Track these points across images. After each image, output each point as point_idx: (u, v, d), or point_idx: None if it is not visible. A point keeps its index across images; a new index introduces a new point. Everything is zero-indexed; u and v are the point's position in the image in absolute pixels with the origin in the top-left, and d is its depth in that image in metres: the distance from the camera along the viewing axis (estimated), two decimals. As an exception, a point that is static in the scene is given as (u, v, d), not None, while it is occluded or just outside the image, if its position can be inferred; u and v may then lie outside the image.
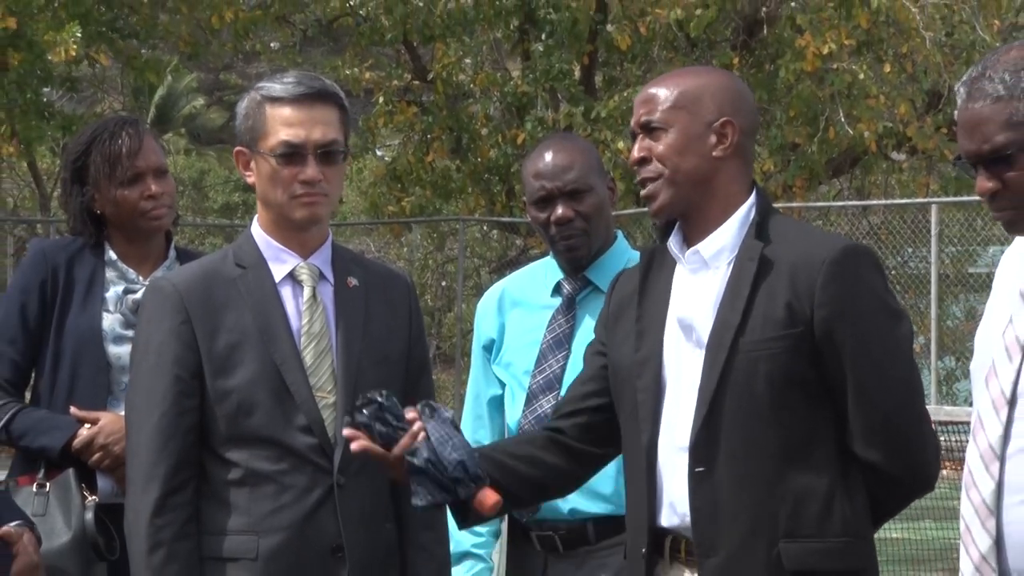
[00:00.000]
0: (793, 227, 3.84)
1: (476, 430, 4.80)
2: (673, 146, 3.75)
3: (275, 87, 4.00)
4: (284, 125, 3.96)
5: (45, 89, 22.16)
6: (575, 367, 4.33)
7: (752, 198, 3.81)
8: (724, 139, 3.76)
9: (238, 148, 4.05)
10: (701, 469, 3.67)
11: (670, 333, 3.80)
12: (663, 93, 3.79)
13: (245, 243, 4.09)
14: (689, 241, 3.81)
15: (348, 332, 4.01)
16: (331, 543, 3.91)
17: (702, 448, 3.68)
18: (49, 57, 20.07)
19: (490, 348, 4.76)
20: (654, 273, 3.87)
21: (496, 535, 4.78)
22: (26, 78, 20.76)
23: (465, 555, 4.76)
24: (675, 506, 3.73)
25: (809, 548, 3.63)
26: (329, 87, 4.04)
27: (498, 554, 4.74)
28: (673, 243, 3.84)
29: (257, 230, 4.08)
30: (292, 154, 3.96)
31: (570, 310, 4.56)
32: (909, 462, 3.70)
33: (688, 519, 3.69)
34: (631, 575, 3.84)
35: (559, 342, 4.55)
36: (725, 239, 3.77)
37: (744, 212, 3.78)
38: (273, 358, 3.93)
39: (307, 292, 4.03)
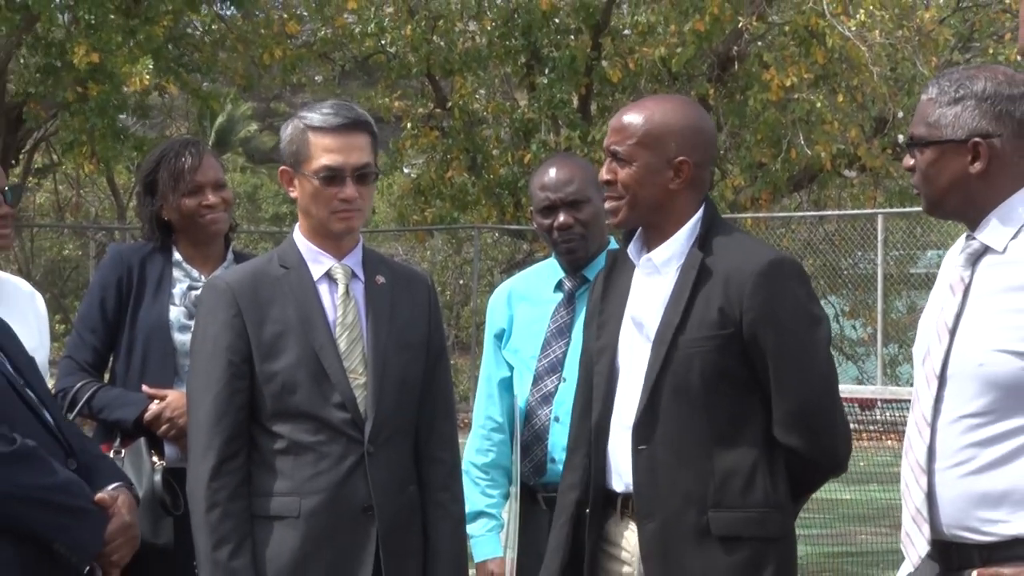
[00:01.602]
0: (732, 239, 3.79)
1: (488, 407, 4.79)
2: (634, 177, 3.76)
3: (316, 117, 3.98)
4: (325, 151, 3.95)
5: (121, 116, 22.10)
6: (575, 352, 4.35)
7: (700, 213, 3.81)
8: (680, 174, 3.76)
9: (283, 168, 4.05)
10: (643, 447, 3.70)
11: (626, 327, 3.83)
12: (632, 127, 3.78)
13: (288, 247, 4.08)
14: (647, 246, 3.83)
15: (376, 322, 4.01)
16: (362, 504, 3.90)
17: (643, 429, 3.71)
18: (125, 87, 20.05)
19: (500, 337, 4.75)
20: (616, 273, 3.90)
21: (506, 497, 4.77)
22: (104, 106, 20.72)
23: (480, 514, 4.75)
24: (622, 475, 3.76)
25: (734, 517, 3.64)
26: (362, 117, 4.03)
27: (507, 513, 4.73)
28: (632, 249, 3.87)
29: (298, 236, 4.07)
30: (333, 177, 3.95)
31: (570, 304, 4.56)
32: (823, 447, 3.72)
33: (629, 485, 3.73)
34: (588, 529, 3.84)
35: (561, 331, 4.55)
36: (674, 249, 3.78)
37: (692, 225, 3.78)
38: (312, 345, 3.92)
39: (341, 288, 4.02)
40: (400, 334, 4.03)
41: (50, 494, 3.26)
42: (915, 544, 3.32)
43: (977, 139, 3.31)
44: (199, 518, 3.87)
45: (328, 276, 4.03)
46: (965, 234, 3.42)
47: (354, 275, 4.06)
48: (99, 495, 3.40)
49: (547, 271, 4.75)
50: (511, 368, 4.76)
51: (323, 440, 3.91)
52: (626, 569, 3.79)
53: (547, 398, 4.59)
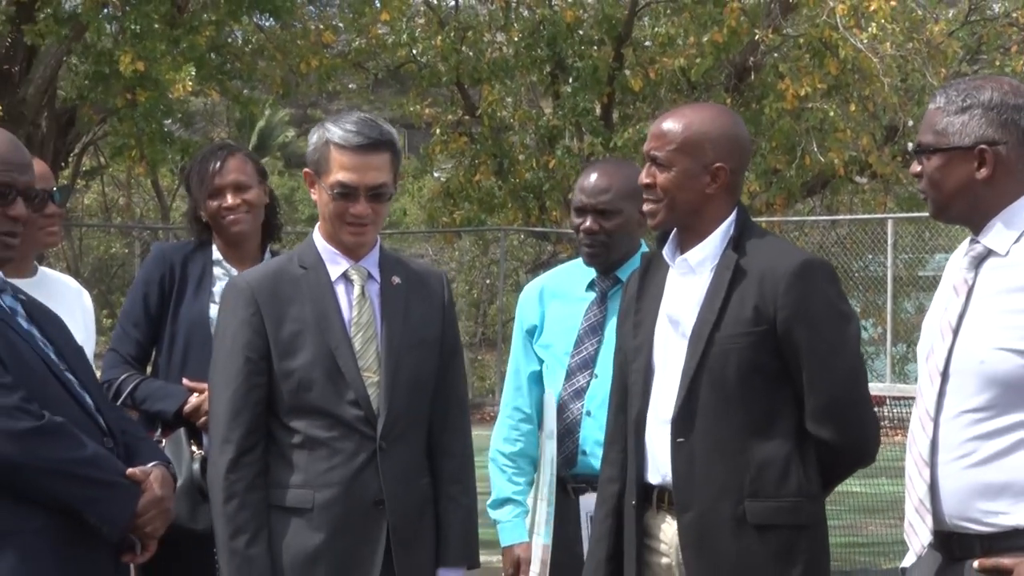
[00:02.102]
0: (765, 242, 3.80)
1: (516, 398, 4.77)
2: (673, 181, 3.76)
3: (339, 133, 3.95)
4: (341, 168, 3.93)
5: (167, 121, 22.18)
6: (607, 349, 4.37)
7: (733, 216, 3.80)
8: (716, 180, 3.77)
9: (307, 170, 4.05)
10: (681, 440, 3.69)
11: (661, 325, 3.82)
12: (671, 133, 3.78)
13: (307, 248, 4.07)
14: (681, 248, 3.83)
15: (390, 322, 3.99)
16: (374, 497, 3.90)
17: (681, 422, 3.70)
18: (169, 93, 20.11)
19: (532, 332, 4.73)
20: (651, 274, 3.89)
21: (531, 484, 4.76)
22: (151, 112, 20.79)
23: (506, 500, 4.75)
24: (659, 467, 3.75)
25: (769, 506, 3.64)
26: (384, 136, 3.99)
27: (531, 499, 4.72)
28: (667, 251, 3.86)
29: (317, 237, 4.06)
30: (346, 193, 3.94)
31: (603, 303, 4.54)
32: (852, 438, 3.72)
33: (667, 477, 3.72)
34: (626, 522, 3.84)
35: (594, 329, 4.53)
36: (708, 250, 3.78)
37: (725, 228, 3.78)
38: (328, 344, 3.91)
39: (357, 289, 4.00)
40: (414, 332, 4.01)
41: (77, 467, 3.26)
42: (918, 534, 3.32)
43: (983, 146, 3.31)
44: (218, 508, 3.89)
45: (345, 277, 4.02)
46: (969, 238, 3.43)
47: (370, 276, 4.04)
48: (130, 470, 3.39)
49: (579, 270, 4.72)
50: (541, 362, 4.74)
51: (337, 436, 3.91)
52: (664, 560, 3.79)
53: (579, 393, 4.57)
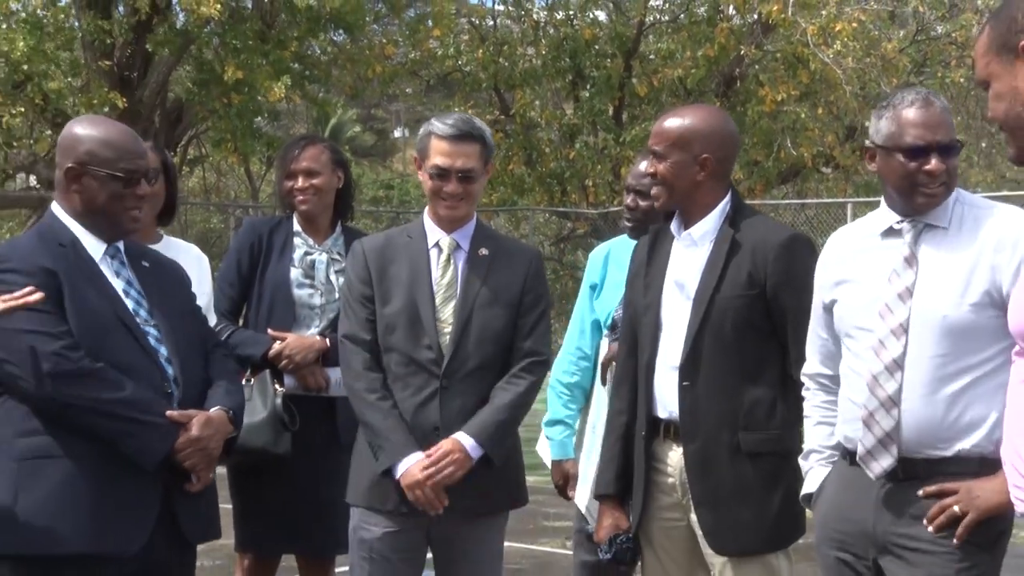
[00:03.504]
0: (756, 219, 3.81)
1: (580, 339, 4.71)
2: (670, 171, 3.77)
3: (439, 126, 4.00)
4: (438, 154, 3.98)
5: (256, 119, 22.25)
6: None
7: (728, 197, 3.80)
8: (705, 168, 3.75)
9: (415, 156, 4.09)
10: (687, 383, 3.68)
11: (668, 288, 3.80)
12: (668, 131, 3.79)
13: (417, 222, 4.12)
14: (685, 224, 3.81)
15: (468, 285, 3.99)
16: (432, 425, 3.89)
17: (687, 368, 3.69)
18: (264, 98, 20.21)
19: (595, 287, 4.68)
20: (658, 245, 3.88)
21: (580, 411, 4.73)
22: (244, 111, 20.87)
23: (559, 422, 4.72)
24: (666, 405, 3.74)
25: (759, 437, 3.64)
26: (475, 130, 4.03)
27: (578, 422, 4.70)
28: (673, 226, 3.85)
29: (425, 215, 4.10)
30: (441, 174, 3.98)
31: None
32: None
33: (676, 415, 3.70)
34: (636, 449, 3.84)
35: None
36: (708, 226, 3.77)
37: (722, 207, 3.78)
38: (414, 297, 3.93)
39: (445, 255, 4.02)
40: (488, 296, 3.99)
41: (111, 406, 3.21)
42: (880, 461, 3.29)
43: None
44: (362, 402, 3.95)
45: (437, 246, 4.03)
46: (895, 220, 3.40)
47: (459, 246, 4.04)
48: (170, 412, 3.33)
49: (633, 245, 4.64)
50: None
51: (410, 372, 3.92)
52: (670, 480, 3.78)
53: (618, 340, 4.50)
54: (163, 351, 3.37)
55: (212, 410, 3.41)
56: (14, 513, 3.13)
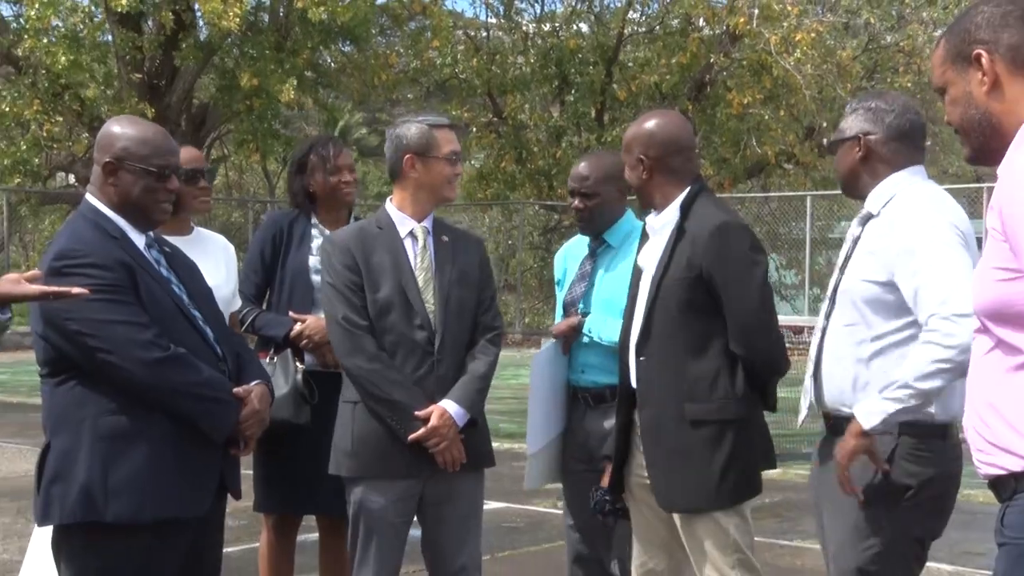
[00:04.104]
0: (700, 209, 3.73)
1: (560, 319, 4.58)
2: (627, 172, 3.84)
3: (435, 120, 3.99)
4: (447, 142, 3.96)
5: (276, 125, 22.28)
6: (596, 292, 4.29)
7: (687, 190, 3.76)
8: (641, 168, 3.77)
9: (409, 155, 3.96)
10: (642, 358, 3.71)
11: (639, 272, 3.83)
12: (625, 139, 3.86)
13: (382, 214, 4.04)
14: (656, 210, 3.83)
15: (442, 267, 3.97)
16: (431, 395, 3.87)
17: (641, 344, 3.71)
18: (280, 99, 20.23)
19: (559, 282, 4.56)
20: (645, 235, 3.89)
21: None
22: (263, 115, 20.85)
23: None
24: (633, 376, 3.77)
25: (701, 407, 3.62)
26: (456, 121, 4.03)
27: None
28: (648, 218, 3.86)
29: (390, 206, 4.04)
30: (455, 160, 3.99)
31: (592, 258, 4.39)
32: (760, 354, 3.66)
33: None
34: (616, 413, 3.89)
35: (583, 277, 4.40)
36: (666, 217, 3.76)
37: (680, 199, 3.75)
38: (401, 282, 3.90)
39: (421, 243, 3.98)
40: (459, 276, 3.99)
41: (195, 388, 3.21)
42: (801, 408, 3.47)
43: (861, 135, 3.40)
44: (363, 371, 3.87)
45: (411, 234, 3.99)
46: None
47: (428, 233, 4.02)
48: (236, 389, 3.33)
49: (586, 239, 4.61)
50: None
51: (407, 350, 3.88)
52: (638, 439, 3.81)
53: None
54: (209, 332, 3.37)
55: (256, 384, 3.42)
56: (102, 485, 3.13)
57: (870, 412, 3.14)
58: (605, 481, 3.96)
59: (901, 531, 3.20)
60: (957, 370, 2.97)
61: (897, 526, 3.20)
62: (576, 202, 4.33)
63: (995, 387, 2.27)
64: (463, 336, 3.97)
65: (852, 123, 3.42)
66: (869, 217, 3.36)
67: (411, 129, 3.99)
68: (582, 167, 4.36)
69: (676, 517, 3.71)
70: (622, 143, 3.85)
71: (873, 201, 3.36)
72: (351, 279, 3.89)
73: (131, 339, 3.14)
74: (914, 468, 3.16)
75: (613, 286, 4.21)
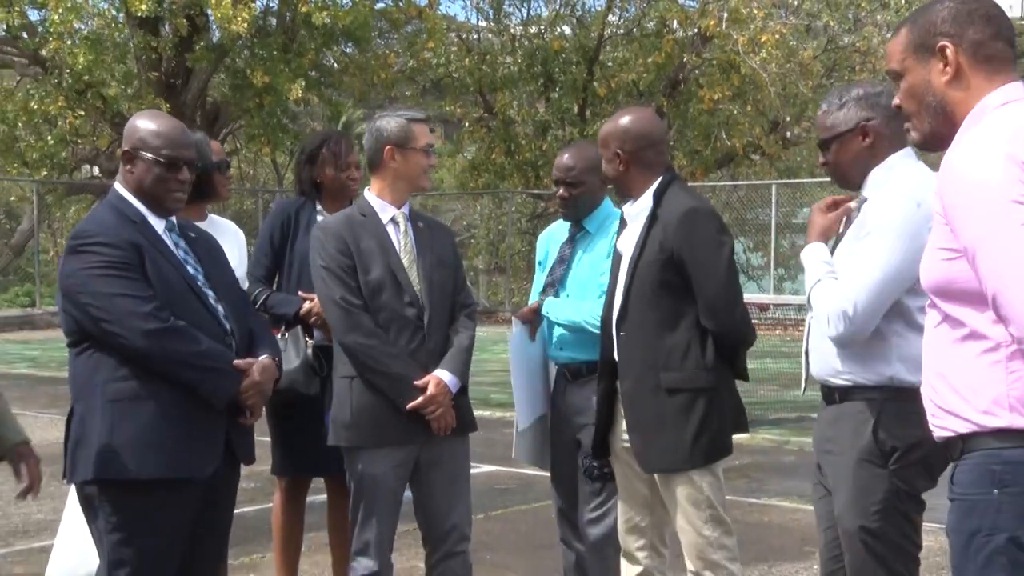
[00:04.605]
0: (671, 196, 3.72)
1: (535, 295, 4.51)
2: (605, 165, 3.84)
3: (412, 115, 3.97)
4: (423, 135, 3.95)
5: (284, 120, 22.22)
6: (573, 274, 4.28)
7: (660, 179, 3.74)
8: (618, 161, 3.76)
9: (389, 147, 3.94)
10: (621, 333, 3.71)
11: (617, 256, 3.83)
12: (601, 135, 3.83)
13: (363, 202, 4.01)
14: (629, 200, 3.82)
15: (422, 250, 3.95)
16: (424, 365, 3.85)
17: (621, 321, 3.71)
18: (288, 98, 20.20)
19: (541, 263, 4.52)
20: (624, 222, 3.87)
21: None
22: (273, 111, 20.78)
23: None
24: (615, 350, 3.76)
25: (675, 376, 3.61)
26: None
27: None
28: (624, 207, 3.85)
29: (369, 194, 4.00)
30: (430, 152, 3.97)
31: (571, 243, 4.36)
32: (727, 328, 3.64)
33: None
34: (598, 384, 3.88)
35: (562, 260, 4.36)
36: (641, 205, 3.74)
37: (654, 188, 3.73)
38: (389, 264, 3.87)
39: (403, 227, 3.96)
40: (437, 258, 3.98)
41: (192, 358, 3.21)
42: (803, 377, 3.42)
43: (863, 123, 3.25)
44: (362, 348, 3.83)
45: (392, 220, 3.96)
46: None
47: (407, 218, 3.99)
48: (236, 361, 3.32)
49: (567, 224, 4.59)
50: None
51: (400, 326, 3.86)
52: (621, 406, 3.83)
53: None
54: (220, 310, 3.36)
55: (262, 358, 3.41)
56: (112, 445, 3.16)
57: (808, 258, 3.28)
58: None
59: (895, 490, 3.16)
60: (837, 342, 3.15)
61: (892, 486, 3.16)
62: (561, 191, 4.30)
63: (943, 357, 2.29)
64: (446, 313, 3.96)
65: (847, 116, 3.27)
66: (864, 202, 3.27)
67: (391, 122, 3.96)
68: (567, 158, 4.32)
69: (656, 477, 3.72)
70: (598, 139, 3.83)
71: (871, 185, 3.25)
72: (345, 263, 3.87)
73: (131, 311, 3.16)
74: (900, 432, 3.12)
75: (589, 269, 4.21)
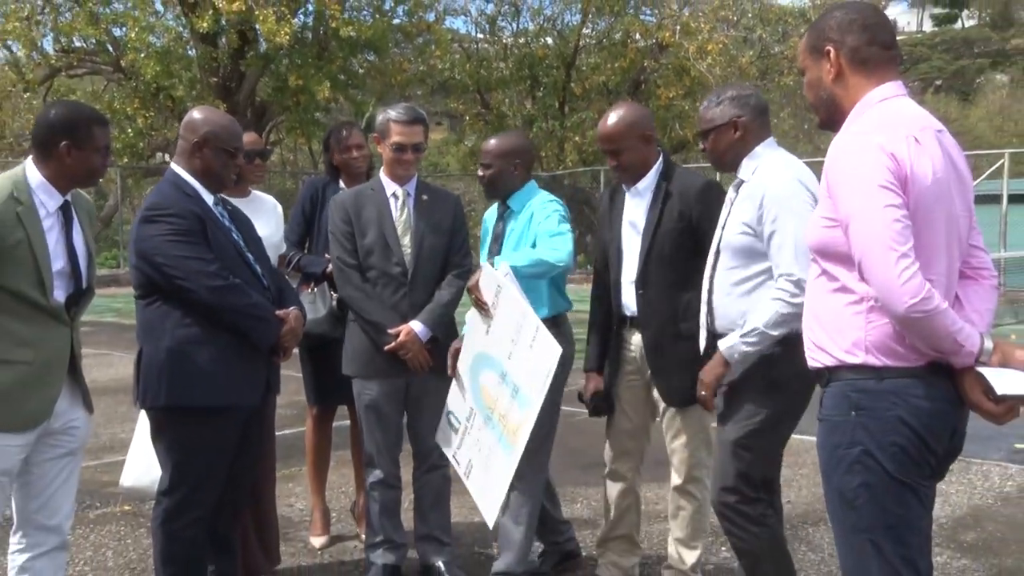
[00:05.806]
0: (680, 174, 3.64)
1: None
2: (627, 156, 3.60)
3: (394, 113, 3.85)
4: (397, 134, 3.83)
5: (316, 115, 22.08)
6: (505, 250, 3.98)
7: (660, 160, 3.66)
8: (648, 143, 3.62)
9: (375, 135, 3.91)
10: (642, 291, 3.61)
11: (625, 226, 3.69)
12: (613, 131, 3.61)
13: (376, 180, 3.98)
14: (631, 182, 3.66)
15: (418, 221, 3.87)
16: (403, 314, 3.81)
17: (641, 280, 3.60)
18: (318, 96, 20.07)
19: (484, 241, 4.24)
20: (615, 197, 3.75)
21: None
22: (307, 108, 20.61)
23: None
24: (628, 306, 3.66)
25: (691, 324, 3.50)
26: (420, 116, 3.86)
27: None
28: (624, 185, 3.70)
29: (381, 174, 3.96)
30: (399, 148, 3.85)
31: (500, 220, 4.06)
32: None
33: (635, 312, 3.64)
34: (614, 334, 3.73)
35: (496, 238, 4.05)
36: (648, 182, 3.63)
37: (656, 168, 3.64)
38: (383, 231, 3.83)
39: (400, 200, 3.90)
40: (432, 227, 3.89)
41: (247, 308, 3.22)
42: (702, 333, 3.32)
43: (735, 119, 3.24)
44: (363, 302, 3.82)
45: (394, 195, 3.90)
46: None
47: (408, 194, 3.92)
48: (278, 312, 3.34)
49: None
50: None
51: (386, 282, 3.82)
52: (632, 354, 3.72)
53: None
54: (259, 269, 3.38)
55: (292, 309, 3.42)
56: (177, 378, 3.18)
57: (732, 348, 3.11)
58: (591, 387, 3.83)
59: (779, 414, 3.15)
60: (799, 317, 2.93)
61: (777, 410, 3.15)
62: (480, 172, 4.04)
63: (819, 303, 2.32)
64: (434, 273, 3.88)
65: (721, 112, 3.25)
66: (741, 183, 3.25)
67: (379, 117, 3.90)
68: (485, 144, 4.09)
69: (669, 412, 3.65)
70: (613, 133, 3.59)
71: (744, 170, 3.24)
72: (345, 229, 3.85)
73: (200, 271, 3.17)
74: (786, 368, 3.08)
75: (517, 242, 3.95)
